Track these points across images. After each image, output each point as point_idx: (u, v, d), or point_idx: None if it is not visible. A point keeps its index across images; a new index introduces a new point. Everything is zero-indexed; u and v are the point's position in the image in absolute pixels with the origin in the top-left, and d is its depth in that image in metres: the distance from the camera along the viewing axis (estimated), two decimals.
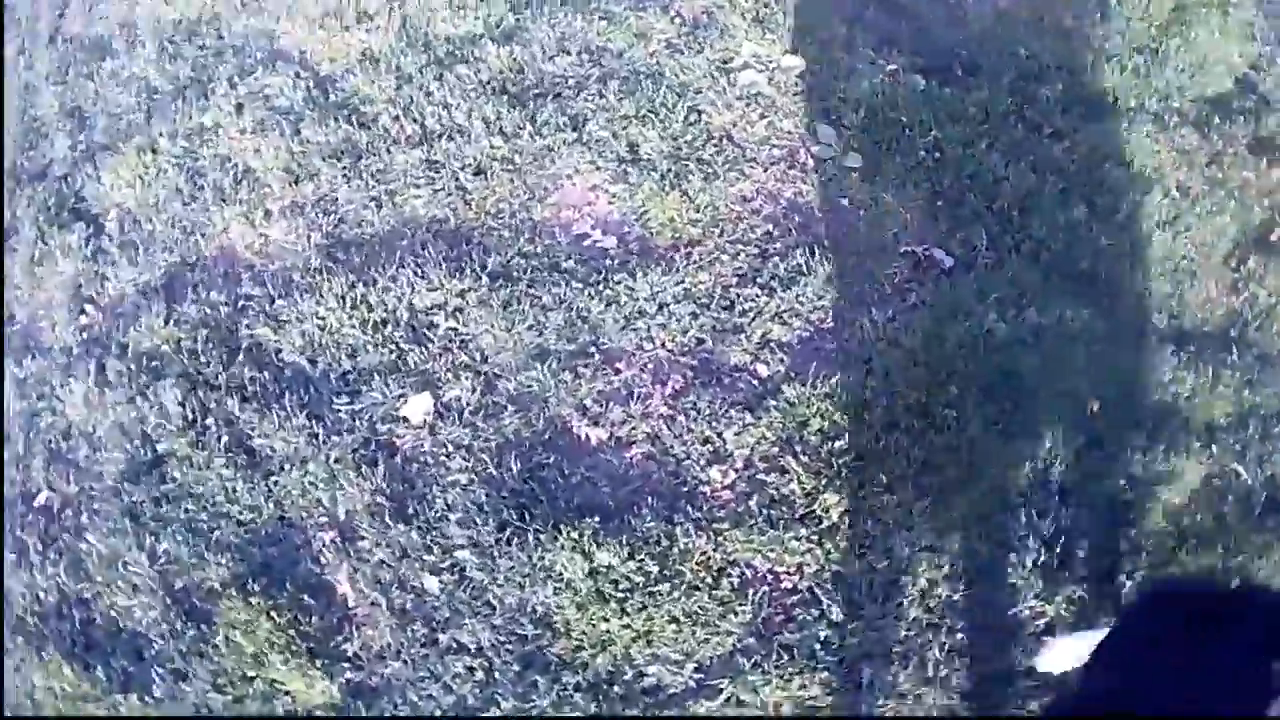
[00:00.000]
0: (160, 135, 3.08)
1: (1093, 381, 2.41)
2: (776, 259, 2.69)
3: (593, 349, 2.54)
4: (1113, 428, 2.36)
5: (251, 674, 2.31)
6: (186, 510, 2.49)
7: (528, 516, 2.31)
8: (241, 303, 2.69)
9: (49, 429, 2.72)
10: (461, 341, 2.58)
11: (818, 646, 2.15)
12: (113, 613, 2.48)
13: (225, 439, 2.52)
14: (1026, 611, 2.15)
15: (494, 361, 2.53)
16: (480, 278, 2.66)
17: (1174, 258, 2.67)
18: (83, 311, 2.86)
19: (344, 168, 2.86)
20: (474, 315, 2.60)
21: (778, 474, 2.34)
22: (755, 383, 2.46)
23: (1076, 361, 2.43)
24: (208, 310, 2.69)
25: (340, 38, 3.17)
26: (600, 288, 2.61)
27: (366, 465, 2.43)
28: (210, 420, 2.55)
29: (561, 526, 2.28)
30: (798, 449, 2.35)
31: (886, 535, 2.23)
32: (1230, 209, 2.80)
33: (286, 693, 2.28)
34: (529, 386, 2.49)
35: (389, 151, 2.88)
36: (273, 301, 2.68)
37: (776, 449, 2.36)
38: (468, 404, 2.48)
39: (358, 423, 2.49)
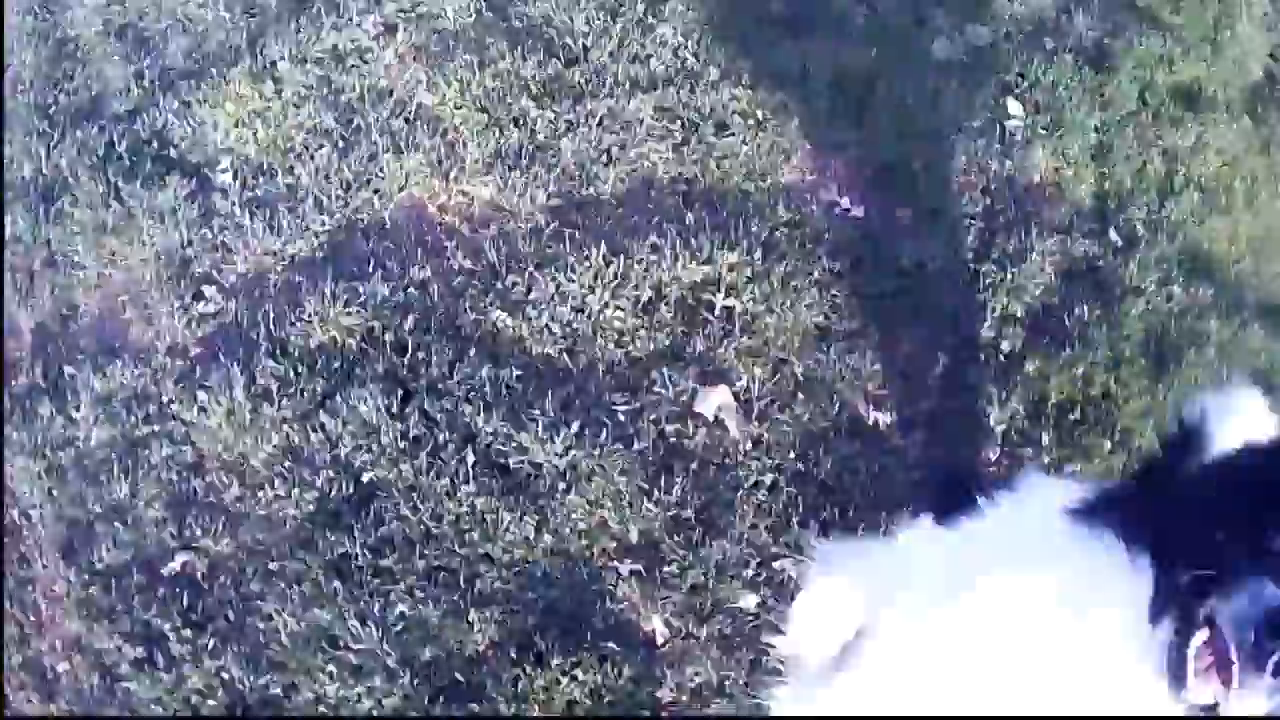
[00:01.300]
0: (280, 59, 2.58)
1: None
2: (1001, 234, 2.71)
3: (871, 327, 2.43)
4: None
5: None
6: (423, 556, 2.04)
7: (849, 513, 2.20)
8: (456, 280, 2.25)
9: (167, 464, 2.19)
10: (744, 323, 2.34)
11: None
12: (322, 707, 2.00)
13: (470, 458, 2.08)
14: None
15: (779, 344, 2.36)
16: (752, 250, 2.40)
17: None
18: (199, 295, 2.33)
19: (563, 112, 2.46)
20: (751, 292, 2.38)
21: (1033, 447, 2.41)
22: (1002, 358, 2.53)
23: None
24: (410, 291, 2.24)
25: None
26: (862, 263, 2.50)
27: (663, 474, 2.14)
28: (443, 435, 2.11)
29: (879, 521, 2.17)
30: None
31: None
32: None
33: None
34: (815, 371, 2.36)
35: (612, 95, 2.51)
36: (500, 277, 2.25)
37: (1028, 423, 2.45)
38: (759, 394, 2.29)
39: (643, 424, 2.17)
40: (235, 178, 2.45)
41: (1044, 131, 2.88)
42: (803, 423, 2.27)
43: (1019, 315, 2.54)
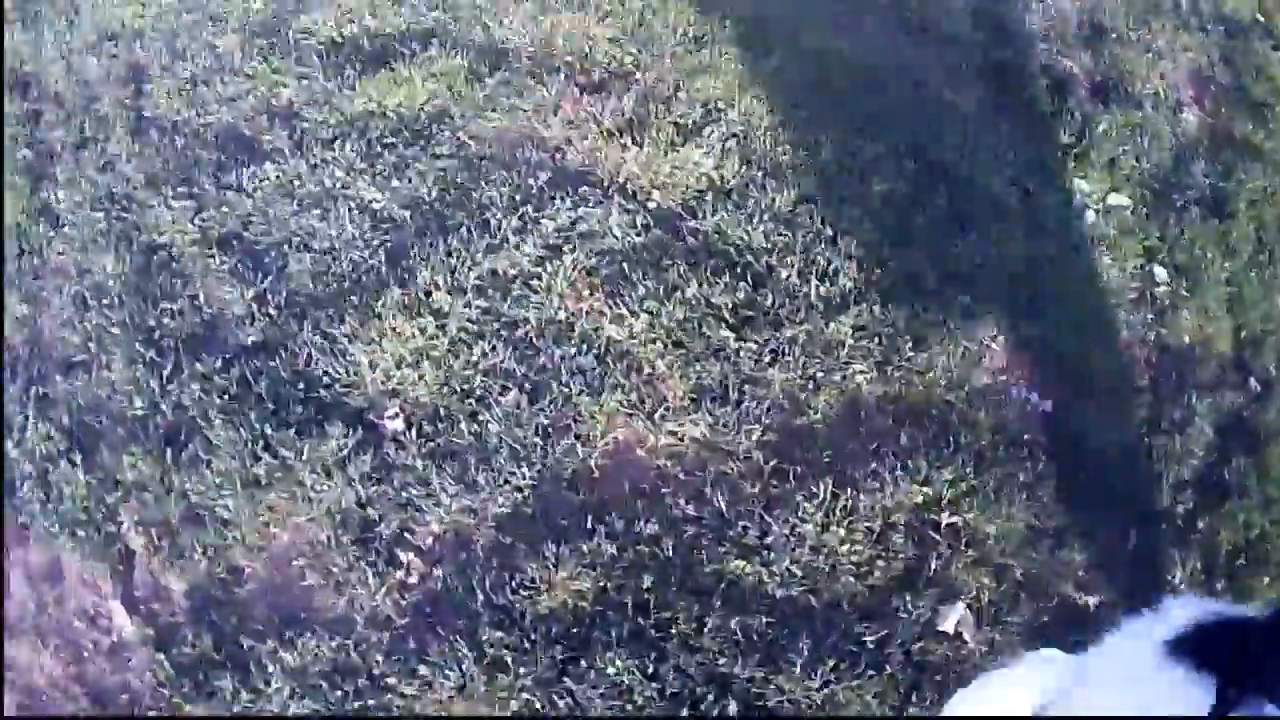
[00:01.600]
0: (434, 288, 3.09)
1: None
2: (1167, 402, 3.63)
3: (1072, 518, 3.23)
4: None
5: None
6: None
7: None
8: (686, 530, 2.81)
9: None
10: (969, 537, 3.12)
11: None
12: None
13: (732, 707, 2.72)
14: None
15: (1000, 551, 3.10)
16: (966, 463, 3.23)
17: None
18: (392, 561, 2.79)
19: (765, 341, 3.16)
20: (970, 505, 3.15)
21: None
22: (1179, 523, 3.41)
23: None
24: (639, 547, 2.79)
25: (664, 159, 3.41)
26: (1058, 457, 3.29)
27: (914, 692, 2.84)
28: (700, 688, 2.72)
29: None
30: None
31: None
32: None
33: None
34: (1033, 570, 3.12)
35: (803, 319, 3.17)
36: (730, 523, 2.91)
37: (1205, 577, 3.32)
38: (989, 601, 3.04)
39: (889, 651, 2.89)
40: (409, 425, 2.92)
41: (1186, 293, 3.93)
42: (1027, 620, 3.03)
43: (1188, 479, 3.50)
